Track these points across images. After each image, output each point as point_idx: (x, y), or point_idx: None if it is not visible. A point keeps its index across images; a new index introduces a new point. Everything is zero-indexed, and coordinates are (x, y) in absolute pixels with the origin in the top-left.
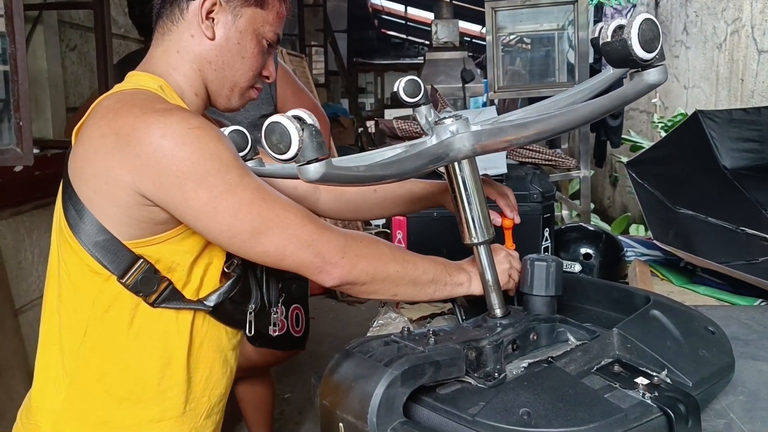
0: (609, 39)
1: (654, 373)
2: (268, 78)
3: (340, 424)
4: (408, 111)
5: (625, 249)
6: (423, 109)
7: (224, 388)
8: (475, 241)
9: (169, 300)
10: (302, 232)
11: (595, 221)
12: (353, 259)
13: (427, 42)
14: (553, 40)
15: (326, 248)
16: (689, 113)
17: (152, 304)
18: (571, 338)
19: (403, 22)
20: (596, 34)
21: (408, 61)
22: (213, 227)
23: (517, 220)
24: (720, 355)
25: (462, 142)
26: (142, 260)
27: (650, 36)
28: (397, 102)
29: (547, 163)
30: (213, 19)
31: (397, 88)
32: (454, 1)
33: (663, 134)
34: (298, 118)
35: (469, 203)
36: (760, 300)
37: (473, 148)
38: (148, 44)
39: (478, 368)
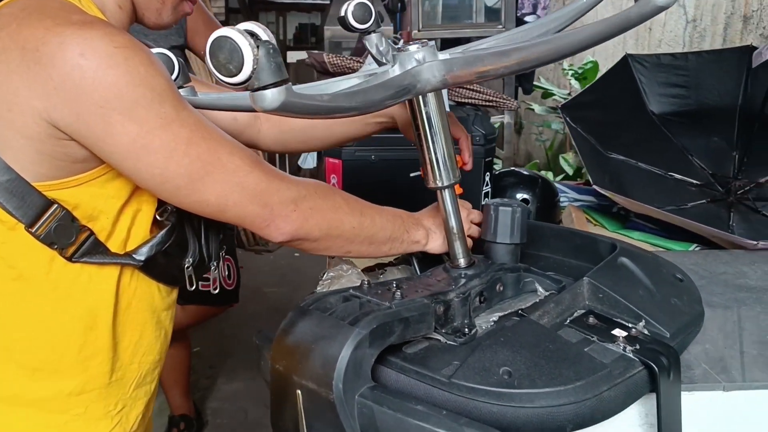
0: None
1: (631, 325)
2: None
3: (298, 392)
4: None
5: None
6: (374, 36)
7: (157, 354)
8: (440, 184)
9: (90, 253)
10: (249, 179)
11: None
12: (306, 212)
13: None
14: None
15: (275, 199)
16: (598, 61)
17: (70, 259)
18: (540, 289)
19: None
20: None
21: (311, 1)
22: (142, 169)
23: (470, 166)
24: (691, 303)
25: (431, 71)
26: (56, 206)
27: None
28: (299, 43)
29: (487, 104)
30: None
31: (345, 13)
32: None
33: (573, 82)
34: (252, 34)
35: (434, 142)
36: (695, 245)
37: (444, 78)
38: None
39: (445, 323)
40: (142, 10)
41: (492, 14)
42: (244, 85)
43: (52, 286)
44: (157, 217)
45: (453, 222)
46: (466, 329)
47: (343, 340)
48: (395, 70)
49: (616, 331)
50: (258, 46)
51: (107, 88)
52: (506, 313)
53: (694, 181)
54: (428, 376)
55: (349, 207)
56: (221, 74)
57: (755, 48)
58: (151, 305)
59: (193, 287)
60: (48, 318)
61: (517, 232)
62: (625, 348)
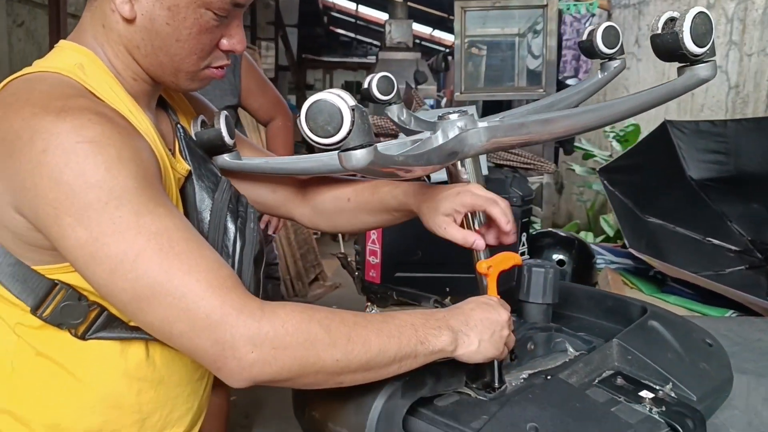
0: (659, 31)
1: (658, 387)
2: (233, 51)
3: None
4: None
5: (595, 256)
6: (395, 108)
7: (189, 425)
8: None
9: (105, 328)
10: (200, 307)
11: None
12: (268, 353)
13: (375, 42)
14: (511, 45)
15: (228, 336)
16: (640, 125)
17: (83, 337)
18: (570, 348)
19: (353, 20)
20: (584, 37)
21: (357, 59)
22: (91, 278)
23: (511, 239)
24: (720, 368)
25: (477, 137)
26: (59, 287)
27: (703, 30)
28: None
29: (524, 166)
30: None
31: (369, 85)
32: (408, 2)
33: (615, 144)
34: (344, 99)
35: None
36: (731, 311)
37: (487, 143)
38: None
39: (476, 378)
40: (160, 81)
41: (534, 77)
42: (337, 146)
43: (70, 367)
44: None
45: None
46: (497, 385)
47: (376, 391)
48: (438, 137)
49: (643, 393)
50: (353, 110)
51: (61, 187)
52: (536, 371)
53: (733, 247)
54: (457, 429)
55: (331, 337)
56: (317, 135)
57: None
58: (181, 379)
59: None
60: (67, 399)
61: (549, 292)
62: (651, 409)
